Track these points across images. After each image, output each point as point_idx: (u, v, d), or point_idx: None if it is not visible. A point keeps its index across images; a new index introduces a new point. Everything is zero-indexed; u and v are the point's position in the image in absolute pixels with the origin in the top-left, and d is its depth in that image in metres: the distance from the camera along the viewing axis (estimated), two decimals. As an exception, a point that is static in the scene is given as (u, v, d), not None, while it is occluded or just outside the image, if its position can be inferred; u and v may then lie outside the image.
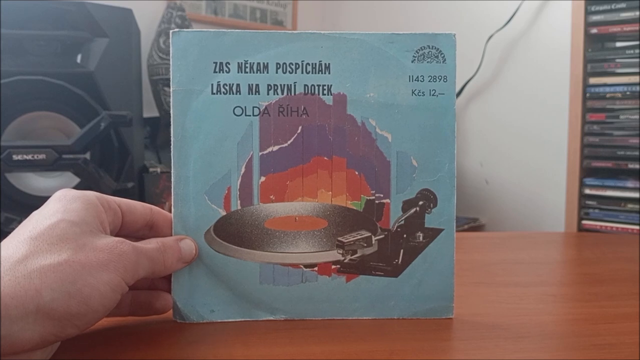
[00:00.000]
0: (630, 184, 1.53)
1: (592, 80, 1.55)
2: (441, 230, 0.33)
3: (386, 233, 0.33)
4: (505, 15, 1.68)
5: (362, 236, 0.33)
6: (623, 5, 1.48)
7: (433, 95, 0.33)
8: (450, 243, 0.33)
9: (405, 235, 0.33)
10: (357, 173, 0.33)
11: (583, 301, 0.40)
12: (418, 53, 0.32)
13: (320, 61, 0.32)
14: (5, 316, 0.22)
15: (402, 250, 0.33)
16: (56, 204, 0.28)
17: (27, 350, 0.24)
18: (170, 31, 0.32)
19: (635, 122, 1.50)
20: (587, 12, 1.54)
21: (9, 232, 0.25)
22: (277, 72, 0.32)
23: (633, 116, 1.50)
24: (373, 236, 0.33)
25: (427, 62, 0.33)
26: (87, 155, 1.24)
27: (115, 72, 1.33)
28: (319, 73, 0.32)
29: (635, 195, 1.52)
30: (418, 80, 0.33)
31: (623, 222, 1.55)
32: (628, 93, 1.50)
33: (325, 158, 0.33)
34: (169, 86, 1.68)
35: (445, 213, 0.33)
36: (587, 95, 1.56)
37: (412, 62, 0.32)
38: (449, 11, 1.84)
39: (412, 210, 0.33)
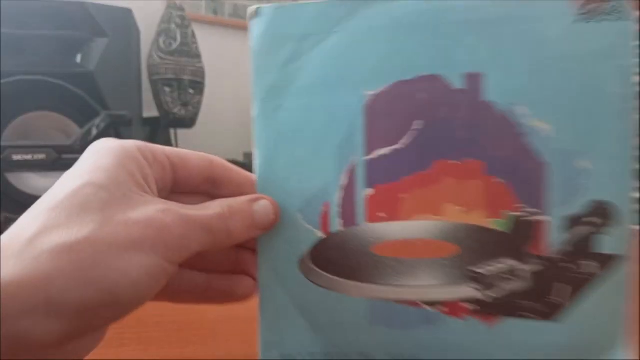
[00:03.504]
0: (630, 183, 1.53)
1: (592, 80, 1.55)
2: (620, 257, 0.24)
3: (544, 262, 0.24)
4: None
5: (510, 267, 0.24)
6: (623, 5, 1.48)
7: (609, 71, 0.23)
8: (626, 274, 0.24)
9: (570, 265, 0.24)
10: (499, 180, 0.24)
11: (582, 301, 0.40)
12: (586, 10, 0.23)
13: (439, 34, 0.24)
14: (8, 313, 0.18)
15: (566, 285, 0.24)
16: (87, 160, 0.22)
17: (48, 347, 0.19)
18: (251, 14, 0.25)
19: (635, 122, 1.50)
20: (587, 12, 1.53)
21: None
22: (385, 52, 0.24)
23: (633, 116, 1.50)
24: (525, 266, 0.24)
25: (601, 21, 0.23)
26: (87, 155, 1.24)
27: (115, 72, 1.33)
28: (439, 51, 0.24)
29: (635, 195, 1.52)
30: (585, 49, 0.23)
31: (623, 222, 1.55)
32: (628, 93, 1.50)
33: (454, 161, 0.24)
34: (169, 86, 1.69)
35: (624, 234, 0.24)
36: (587, 95, 1.56)
37: (579, 24, 0.23)
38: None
39: (582, 232, 0.24)
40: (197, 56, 1.75)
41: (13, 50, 1.23)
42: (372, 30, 0.24)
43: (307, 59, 0.25)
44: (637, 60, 0.23)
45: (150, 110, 1.72)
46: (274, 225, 0.25)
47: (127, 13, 1.40)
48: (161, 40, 1.68)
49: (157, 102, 1.71)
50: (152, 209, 0.21)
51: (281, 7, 0.25)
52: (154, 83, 1.70)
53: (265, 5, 0.25)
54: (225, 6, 2.03)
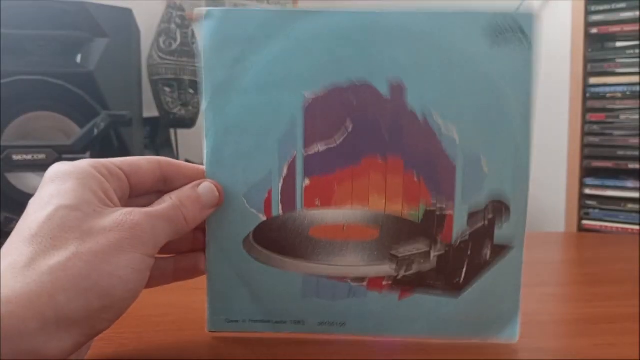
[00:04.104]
0: (630, 184, 1.53)
1: (592, 80, 1.55)
2: (510, 248, 0.29)
3: (447, 248, 0.29)
4: (505, 15, 1.67)
5: (419, 250, 0.29)
6: (623, 5, 1.48)
7: (511, 88, 0.28)
8: (518, 262, 0.29)
9: (469, 252, 0.29)
10: (415, 177, 0.28)
11: (583, 301, 0.40)
12: (497, 35, 0.27)
13: (370, 45, 0.27)
14: (24, 331, 0.20)
15: (464, 268, 0.29)
16: (50, 186, 0.24)
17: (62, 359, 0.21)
18: (197, 17, 0.28)
19: (635, 122, 1.50)
20: (588, 12, 1.54)
21: (9, 232, 0.24)
22: (323, 57, 0.28)
23: (633, 116, 1.50)
24: (432, 251, 0.29)
25: (508, 46, 0.27)
26: (87, 155, 1.24)
27: (115, 72, 1.33)
28: (370, 60, 0.27)
29: (635, 195, 1.52)
30: (493, 69, 0.27)
31: (623, 222, 1.55)
32: (628, 93, 1.50)
33: (379, 159, 0.28)
34: (169, 86, 1.69)
35: (516, 228, 0.29)
36: (587, 95, 1.56)
37: (490, 46, 0.27)
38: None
39: (480, 224, 0.29)
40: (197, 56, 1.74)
41: (13, 50, 1.23)
42: (311, 38, 0.27)
43: (253, 60, 0.28)
44: (536, 84, 0.27)
45: (150, 110, 1.72)
46: (221, 202, 0.29)
47: (127, 13, 1.40)
48: (161, 40, 1.68)
49: (157, 102, 1.71)
50: (120, 214, 0.24)
51: (229, 12, 0.28)
52: (154, 83, 1.70)
53: (214, 9, 0.28)
54: (225, 6, 2.03)
